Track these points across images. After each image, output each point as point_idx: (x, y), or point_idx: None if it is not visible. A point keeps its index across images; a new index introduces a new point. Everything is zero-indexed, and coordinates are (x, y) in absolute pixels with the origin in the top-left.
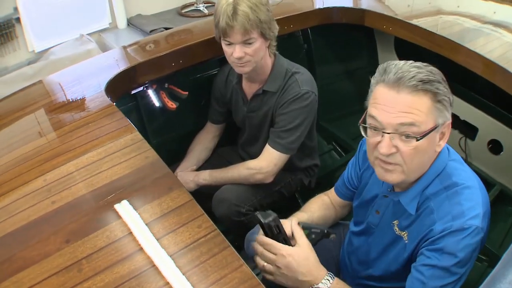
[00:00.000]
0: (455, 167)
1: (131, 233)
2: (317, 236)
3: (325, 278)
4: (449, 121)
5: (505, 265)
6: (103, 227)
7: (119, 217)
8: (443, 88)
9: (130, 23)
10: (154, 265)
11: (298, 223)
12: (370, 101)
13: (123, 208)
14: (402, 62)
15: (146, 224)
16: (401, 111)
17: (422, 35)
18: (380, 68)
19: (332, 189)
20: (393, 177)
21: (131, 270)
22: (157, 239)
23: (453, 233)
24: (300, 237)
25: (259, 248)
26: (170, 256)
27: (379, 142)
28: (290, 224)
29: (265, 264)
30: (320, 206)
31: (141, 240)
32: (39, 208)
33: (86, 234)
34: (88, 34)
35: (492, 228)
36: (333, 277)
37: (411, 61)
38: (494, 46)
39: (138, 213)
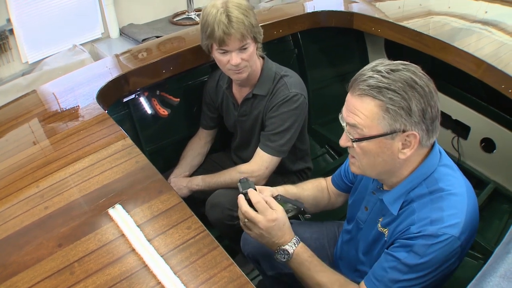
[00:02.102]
0: (445, 172)
1: (122, 235)
2: (293, 211)
3: (292, 241)
4: (411, 132)
5: (496, 260)
6: (94, 230)
7: (110, 220)
8: (395, 97)
9: (122, 32)
10: (145, 266)
11: (277, 196)
12: None
13: (117, 212)
14: (377, 62)
15: (138, 226)
16: (349, 111)
17: (410, 36)
18: None
19: (330, 178)
20: (353, 169)
21: (122, 271)
22: (148, 241)
23: (425, 236)
24: (276, 205)
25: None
26: (161, 257)
27: None
28: (269, 193)
29: (246, 221)
30: (314, 187)
31: (133, 241)
32: (32, 213)
33: (78, 238)
34: (81, 44)
35: (487, 226)
36: (299, 242)
37: (387, 63)
38: (484, 44)
39: (130, 216)
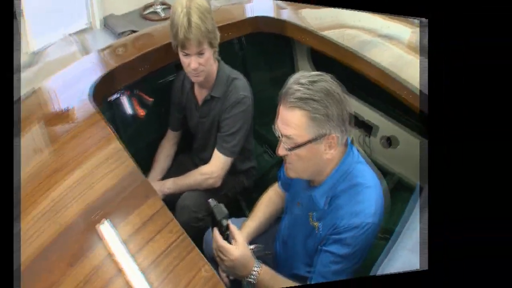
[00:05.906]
0: (361, 169)
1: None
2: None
3: (253, 269)
4: (333, 134)
5: (402, 238)
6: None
7: (101, 236)
8: (318, 106)
9: (105, 23)
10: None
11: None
12: None
13: (105, 228)
14: (298, 75)
15: (125, 241)
16: (284, 123)
17: (329, 46)
18: None
19: (276, 186)
20: (290, 174)
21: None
22: (136, 252)
23: (352, 229)
24: (238, 235)
25: (215, 246)
26: (148, 266)
27: None
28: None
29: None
30: (265, 207)
31: (119, 260)
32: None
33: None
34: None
35: (391, 211)
36: (259, 266)
37: (307, 75)
38: (386, 57)
39: (120, 228)
